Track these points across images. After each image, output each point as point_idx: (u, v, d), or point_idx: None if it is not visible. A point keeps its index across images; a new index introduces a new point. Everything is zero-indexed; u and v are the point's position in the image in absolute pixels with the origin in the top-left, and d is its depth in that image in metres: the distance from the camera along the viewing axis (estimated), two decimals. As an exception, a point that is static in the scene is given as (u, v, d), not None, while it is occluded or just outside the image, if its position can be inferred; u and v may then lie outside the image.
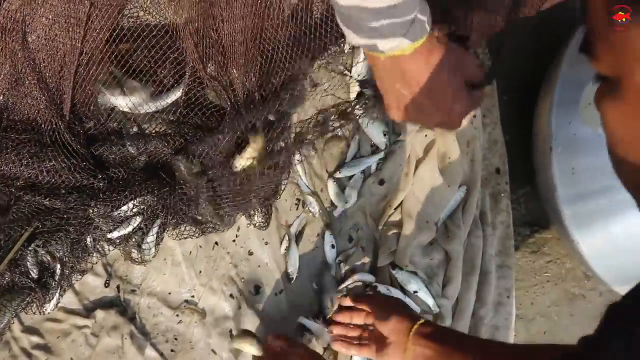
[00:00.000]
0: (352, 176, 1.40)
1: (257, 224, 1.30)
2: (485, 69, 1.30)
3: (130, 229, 1.13)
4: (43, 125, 1.02)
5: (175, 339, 1.25)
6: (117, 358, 1.21)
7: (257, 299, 1.31)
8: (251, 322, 1.29)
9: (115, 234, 1.14)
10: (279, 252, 1.34)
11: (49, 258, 1.13)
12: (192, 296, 1.27)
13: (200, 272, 1.28)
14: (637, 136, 0.55)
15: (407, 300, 1.38)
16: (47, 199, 1.01)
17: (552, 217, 1.75)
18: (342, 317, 1.27)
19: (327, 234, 1.38)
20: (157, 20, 1.09)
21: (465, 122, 1.46)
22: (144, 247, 1.18)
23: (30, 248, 1.10)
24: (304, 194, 1.37)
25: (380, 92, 0.97)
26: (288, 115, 1.16)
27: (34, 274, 1.13)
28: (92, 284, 1.23)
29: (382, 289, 1.38)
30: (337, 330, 1.26)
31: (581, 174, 1.54)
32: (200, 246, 1.28)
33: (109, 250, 1.19)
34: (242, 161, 1.09)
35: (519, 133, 1.71)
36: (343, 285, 1.36)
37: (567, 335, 1.85)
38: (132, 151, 1.08)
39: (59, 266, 1.14)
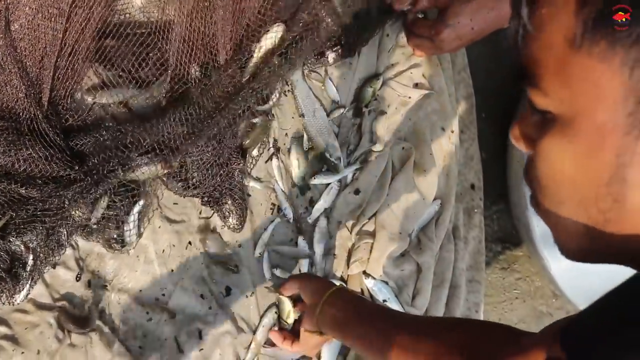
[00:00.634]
0: (328, 184, 1.42)
1: (231, 226, 1.31)
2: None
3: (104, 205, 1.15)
4: (21, 114, 1.03)
5: (145, 336, 1.25)
6: (84, 352, 1.21)
7: (228, 300, 1.32)
8: (220, 323, 1.29)
9: (92, 219, 1.15)
10: (251, 255, 1.35)
11: (22, 248, 1.13)
12: (163, 294, 1.28)
13: (172, 270, 1.28)
14: (588, 174, 0.53)
15: (376, 309, 1.40)
16: (23, 188, 1.02)
17: (523, 235, 1.78)
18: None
19: (300, 240, 1.39)
20: (144, 17, 1.11)
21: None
22: (125, 230, 1.19)
23: (2, 238, 1.10)
24: (280, 199, 1.38)
25: None
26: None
27: (5, 264, 1.13)
28: (63, 277, 1.23)
29: (353, 296, 1.39)
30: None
31: (553, 194, 1.57)
32: (174, 245, 1.29)
33: (87, 239, 1.20)
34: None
35: (495, 151, 1.74)
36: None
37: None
38: (109, 143, 1.09)
39: (31, 257, 1.14)
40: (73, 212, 1.12)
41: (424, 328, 0.98)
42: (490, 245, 1.80)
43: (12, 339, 1.18)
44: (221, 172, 1.25)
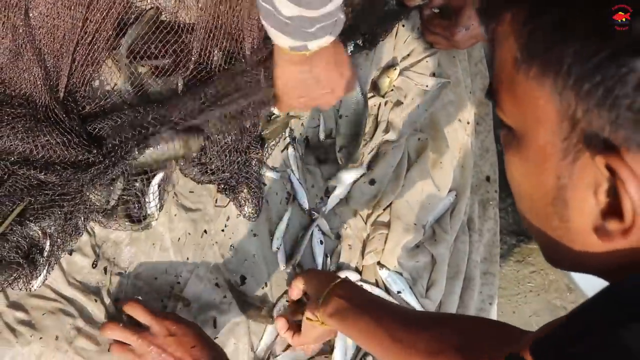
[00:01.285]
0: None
1: (246, 215, 1.31)
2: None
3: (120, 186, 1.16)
4: (39, 101, 1.03)
5: (159, 323, 1.25)
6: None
7: (243, 289, 1.32)
8: (235, 312, 1.29)
9: (111, 202, 1.15)
10: (267, 244, 1.35)
11: (39, 234, 1.13)
12: (179, 282, 1.28)
13: (187, 259, 1.29)
14: (538, 192, 0.54)
15: (389, 299, 1.40)
16: (42, 173, 1.02)
17: (539, 228, 1.77)
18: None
19: (316, 230, 1.39)
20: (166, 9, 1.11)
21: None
22: (146, 202, 1.20)
23: (20, 223, 1.11)
24: (295, 188, 1.38)
25: (280, 86, 1.12)
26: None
27: (22, 249, 1.13)
28: (80, 264, 1.23)
29: (366, 287, 1.39)
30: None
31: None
32: (189, 233, 1.29)
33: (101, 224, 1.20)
34: None
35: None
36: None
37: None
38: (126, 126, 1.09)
39: (48, 242, 1.15)
40: (91, 196, 1.13)
41: (422, 322, 0.99)
42: (505, 237, 1.80)
43: (30, 325, 1.18)
44: (239, 159, 1.25)
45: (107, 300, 1.23)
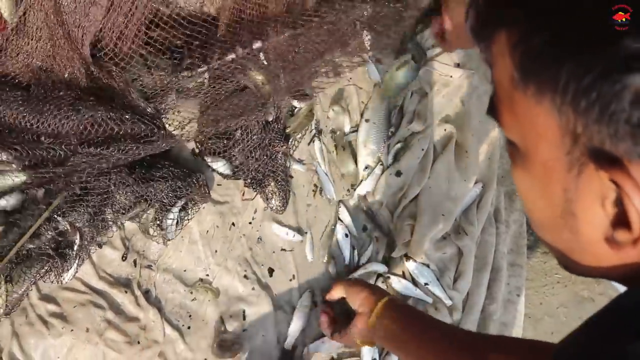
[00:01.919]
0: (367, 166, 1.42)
1: (274, 208, 1.32)
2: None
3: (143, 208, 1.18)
4: (81, 83, 1.05)
5: (189, 316, 1.26)
6: (137, 328, 1.23)
7: (271, 281, 1.33)
8: (263, 304, 1.30)
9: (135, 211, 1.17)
10: (294, 237, 1.35)
11: (69, 228, 1.15)
12: (207, 275, 1.29)
13: (216, 251, 1.29)
14: (546, 205, 0.54)
15: (417, 291, 1.39)
16: (101, 148, 1.04)
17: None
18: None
19: (340, 224, 1.39)
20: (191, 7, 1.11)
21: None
22: (165, 224, 1.20)
23: (48, 220, 1.13)
24: (322, 181, 1.38)
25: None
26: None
27: (54, 243, 1.15)
28: (110, 257, 1.25)
29: (393, 279, 1.39)
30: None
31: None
32: (218, 226, 1.30)
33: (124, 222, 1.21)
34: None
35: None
36: (355, 275, 1.37)
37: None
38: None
39: (78, 236, 1.16)
40: (118, 197, 1.14)
41: (468, 343, 1.00)
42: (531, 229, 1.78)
43: (61, 317, 1.20)
44: (265, 153, 1.26)
45: (137, 292, 1.24)
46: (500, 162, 1.55)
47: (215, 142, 1.26)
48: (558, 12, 0.47)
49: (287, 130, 1.33)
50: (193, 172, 1.22)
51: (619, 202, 0.48)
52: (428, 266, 1.42)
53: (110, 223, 1.21)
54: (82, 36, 0.99)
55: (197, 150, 1.30)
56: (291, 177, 1.36)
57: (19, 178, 1.08)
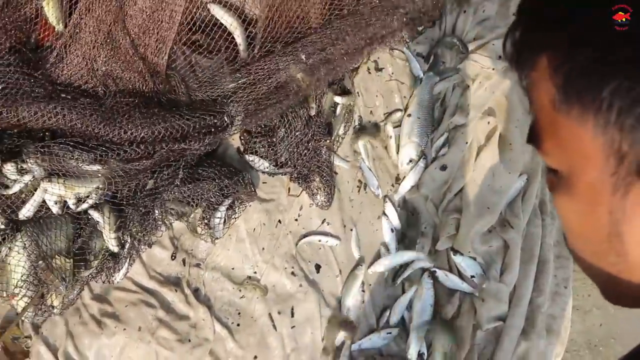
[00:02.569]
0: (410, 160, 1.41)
1: (319, 204, 1.32)
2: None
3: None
4: (146, 88, 1.09)
5: (239, 313, 1.27)
6: (188, 326, 1.24)
7: (318, 278, 1.33)
8: (311, 301, 1.30)
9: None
10: (340, 232, 1.35)
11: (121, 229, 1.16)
12: (255, 272, 1.29)
13: (263, 249, 1.30)
14: (591, 229, 0.53)
15: (464, 285, 1.38)
16: (184, 143, 1.08)
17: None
18: None
19: (385, 219, 1.39)
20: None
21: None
22: (212, 223, 1.21)
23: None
24: (366, 176, 1.38)
25: None
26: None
27: (112, 245, 1.16)
28: (159, 256, 1.26)
29: (440, 274, 1.38)
30: None
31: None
32: (264, 224, 1.30)
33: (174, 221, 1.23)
34: None
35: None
36: (400, 279, 1.37)
37: (623, 330, 1.82)
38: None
39: (129, 237, 1.17)
40: (166, 196, 1.16)
41: None
42: (578, 219, 1.76)
43: (114, 316, 1.21)
44: (308, 147, 1.27)
45: (187, 291, 1.25)
46: (544, 154, 1.53)
47: (261, 141, 1.27)
48: (599, 31, 0.46)
49: (329, 122, 1.34)
50: (239, 171, 1.23)
51: None
52: (475, 259, 1.41)
53: (160, 222, 1.23)
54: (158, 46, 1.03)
55: (242, 149, 1.30)
56: (335, 173, 1.36)
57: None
